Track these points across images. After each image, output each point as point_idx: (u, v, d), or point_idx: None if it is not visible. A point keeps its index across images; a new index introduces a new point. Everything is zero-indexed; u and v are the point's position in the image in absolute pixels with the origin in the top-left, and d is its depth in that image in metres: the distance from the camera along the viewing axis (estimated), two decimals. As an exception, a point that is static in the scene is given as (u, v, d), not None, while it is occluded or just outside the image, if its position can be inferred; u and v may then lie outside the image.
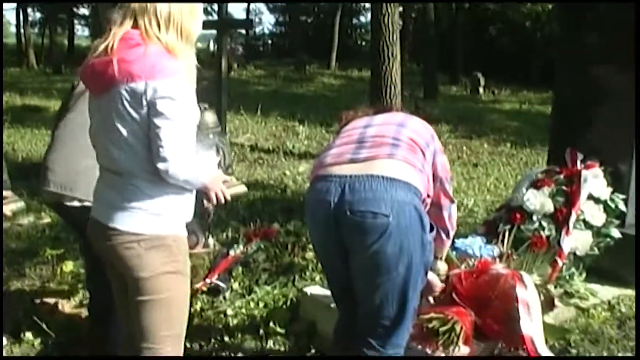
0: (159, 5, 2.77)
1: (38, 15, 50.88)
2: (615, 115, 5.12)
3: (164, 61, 2.72)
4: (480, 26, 37.65)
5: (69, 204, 3.68)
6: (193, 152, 2.80)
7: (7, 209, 3.21)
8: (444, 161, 3.24)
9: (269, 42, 63.80)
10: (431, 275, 3.46)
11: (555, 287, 4.63)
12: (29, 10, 43.50)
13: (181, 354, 3.02)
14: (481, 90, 27.34)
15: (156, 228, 2.79)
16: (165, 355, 2.92)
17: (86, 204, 3.37)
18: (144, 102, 2.66)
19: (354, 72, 35.68)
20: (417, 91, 25.30)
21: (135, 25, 2.78)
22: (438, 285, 3.67)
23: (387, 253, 2.82)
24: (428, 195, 3.12)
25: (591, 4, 5.20)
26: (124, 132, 2.71)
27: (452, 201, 3.33)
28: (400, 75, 11.96)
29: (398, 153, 2.97)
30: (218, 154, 3.27)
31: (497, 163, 12.05)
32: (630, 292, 4.88)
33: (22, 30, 41.22)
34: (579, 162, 5.06)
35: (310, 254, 5.42)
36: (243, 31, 47.76)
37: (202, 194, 3.07)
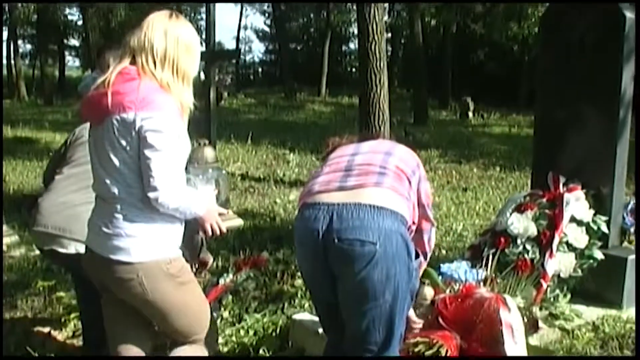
0: (156, 44, 2.92)
1: (29, 46, 51.05)
2: (596, 138, 5.20)
3: (155, 95, 2.86)
4: (469, 50, 37.97)
5: (63, 250, 3.76)
6: (182, 182, 2.93)
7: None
8: (428, 188, 3.32)
9: (259, 70, 64.10)
10: (410, 312, 3.52)
11: (541, 309, 4.69)
12: (20, 41, 43.64)
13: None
14: (470, 114, 27.48)
15: (150, 255, 2.91)
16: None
17: (81, 250, 3.44)
18: (133, 133, 2.80)
19: (344, 98, 35.80)
20: (407, 117, 25.43)
21: (134, 62, 2.93)
22: (417, 321, 3.71)
23: (374, 280, 2.89)
24: (413, 222, 3.20)
25: (573, 30, 5.29)
26: (116, 161, 2.85)
27: (432, 225, 3.42)
28: (389, 102, 12.05)
29: (385, 181, 3.05)
30: (216, 188, 3.37)
31: (487, 187, 12.09)
32: (615, 313, 4.94)
33: (12, 62, 41.30)
34: (561, 185, 5.14)
35: (299, 282, 5.49)
36: (234, 60, 47.97)
37: (195, 225, 3.18)
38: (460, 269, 4.41)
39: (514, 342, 3.74)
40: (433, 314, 4.00)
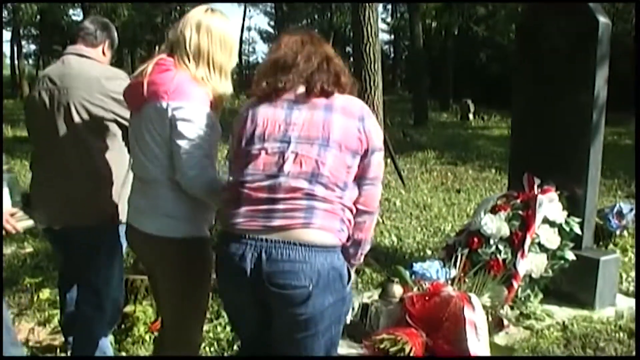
0: (189, 39, 3.08)
1: (32, 47, 51.19)
2: (570, 141, 5.29)
3: (187, 86, 3.00)
4: (471, 52, 37.96)
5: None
6: (210, 170, 3.05)
7: (19, 226, 3.49)
8: (380, 160, 2.98)
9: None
10: None
11: (512, 308, 4.79)
12: (24, 42, 43.80)
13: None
14: (471, 116, 27.51)
15: (187, 232, 3.07)
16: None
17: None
18: (166, 121, 2.96)
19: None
20: (408, 118, 25.48)
21: (171, 54, 3.10)
22: None
23: (308, 314, 2.79)
24: (354, 204, 2.92)
25: (548, 35, 5.38)
26: (153, 145, 3.03)
27: (376, 209, 3.04)
28: (383, 104, 12.14)
29: (313, 220, 2.76)
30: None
31: (480, 189, 12.13)
32: (587, 313, 5.03)
33: (16, 62, 41.46)
34: (535, 187, 5.22)
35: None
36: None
37: None
38: (432, 268, 4.51)
39: (477, 340, 3.83)
40: (401, 311, 4.10)
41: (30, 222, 3.59)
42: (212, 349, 4.66)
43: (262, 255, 2.72)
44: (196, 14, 3.13)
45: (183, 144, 2.94)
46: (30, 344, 4.74)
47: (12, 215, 3.45)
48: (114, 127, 3.63)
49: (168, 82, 2.99)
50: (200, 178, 2.98)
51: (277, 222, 2.72)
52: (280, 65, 2.86)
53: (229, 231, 2.82)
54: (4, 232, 3.40)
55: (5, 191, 3.44)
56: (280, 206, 2.73)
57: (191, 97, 2.99)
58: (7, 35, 40.04)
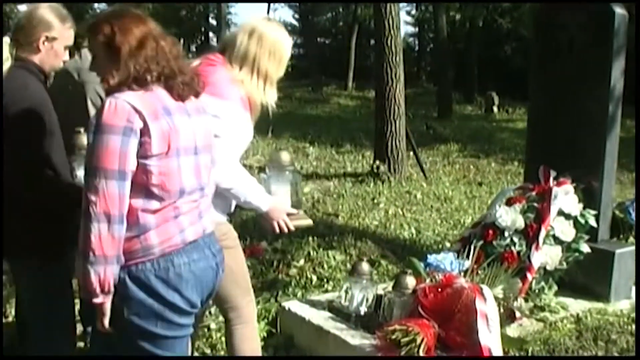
0: (238, 43, 3.29)
1: None
2: (586, 133, 5.28)
3: (224, 84, 3.17)
4: (495, 45, 37.74)
5: None
6: (236, 167, 3.24)
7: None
8: None
9: (289, 64, 64.09)
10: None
11: (526, 300, 4.79)
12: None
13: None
14: (495, 109, 27.34)
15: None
16: None
17: None
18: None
19: (371, 92, 35.69)
20: (432, 111, 25.41)
21: (222, 52, 3.31)
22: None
23: None
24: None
25: (564, 27, 5.36)
26: None
27: None
28: (405, 96, 12.15)
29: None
30: (290, 189, 3.53)
31: (502, 182, 12.11)
32: (601, 306, 5.02)
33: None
34: (551, 179, 5.21)
35: (293, 271, 5.65)
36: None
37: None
38: (446, 260, 4.51)
39: (489, 331, 3.85)
40: (413, 303, 4.13)
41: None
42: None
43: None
44: (254, 20, 3.34)
45: None
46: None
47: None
48: None
49: (208, 76, 3.09)
50: (224, 173, 3.13)
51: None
52: None
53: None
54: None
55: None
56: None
57: (225, 95, 3.13)
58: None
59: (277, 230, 3.41)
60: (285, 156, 3.48)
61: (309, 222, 3.68)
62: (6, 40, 3.11)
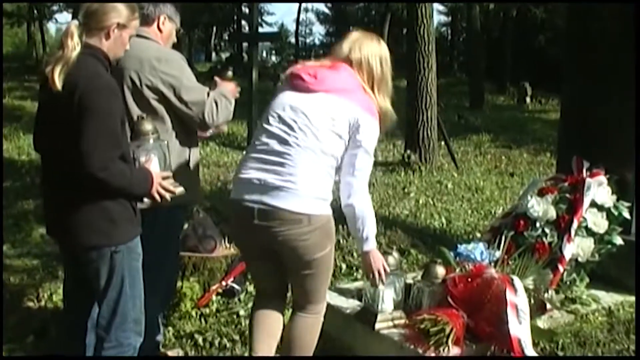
0: (376, 71, 3.50)
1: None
2: (620, 124, 5.21)
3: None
4: (529, 35, 37.40)
5: None
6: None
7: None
8: None
9: (321, 52, 64.18)
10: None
11: (557, 292, 4.75)
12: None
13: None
14: (528, 99, 27.17)
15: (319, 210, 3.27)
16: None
17: None
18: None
19: (402, 81, 35.59)
20: (464, 101, 25.30)
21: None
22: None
23: None
24: None
25: (597, 17, 5.30)
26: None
27: None
28: (437, 85, 12.10)
29: None
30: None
31: (534, 172, 12.04)
32: (633, 299, 4.95)
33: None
34: (584, 170, 5.15)
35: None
36: (293, 41, 48.15)
37: None
38: (476, 250, 4.49)
39: (519, 322, 3.82)
40: (443, 292, 4.11)
41: (181, 189, 3.47)
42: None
43: None
44: (377, 43, 3.55)
45: None
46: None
47: (165, 178, 3.27)
48: (162, 111, 3.65)
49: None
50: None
51: None
52: None
53: None
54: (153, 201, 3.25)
55: (155, 160, 3.35)
56: None
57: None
58: (68, 16, 40.43)
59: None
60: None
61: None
62: (75, 23, 3.06)
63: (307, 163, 3.19)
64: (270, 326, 3.61)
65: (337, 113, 3.21)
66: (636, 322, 4.55)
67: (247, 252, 3.62)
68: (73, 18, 3.18)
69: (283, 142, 3.19)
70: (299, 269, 3.35)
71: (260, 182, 3.19)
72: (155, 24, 3.80)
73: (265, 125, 3.30)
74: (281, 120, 3.24)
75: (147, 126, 3.31)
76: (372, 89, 3.42)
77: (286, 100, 3.29)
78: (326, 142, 3.21)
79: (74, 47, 2.99)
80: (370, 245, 3.46)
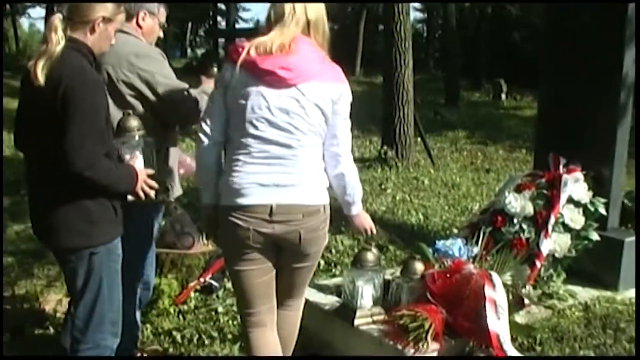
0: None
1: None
2: (597, 120, 5.25)
3: None
4: (504, 32, 37.58)
5: None
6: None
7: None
8: None
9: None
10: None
11: (535, 288, 4.78)
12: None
13: None
14: (503, 96, 27.30)
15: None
16: None
17: None
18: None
19: (378, 78, 35.62)
20: (439, 97, 25.38)
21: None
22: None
23: None
24: None
25: (578, 15, 5.33)
26: None
27: None
28: (413, 82, 12.12)
29: None
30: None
31: (510, 169, 12.12)
32: (610, 294, 5.02)
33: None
34: (561, 166, 5.19)
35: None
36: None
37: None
38: (454, 246, 4.51)
39: (497, 318, 3.84)
40: (422, 288, 4.11)
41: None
42: (234, 322, 4.70)
43: None
44: None
45: None
46: (58, 314, 4.82)
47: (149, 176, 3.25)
48: (138, 107, 3.57)
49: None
50: None
51: None
52: None
53: None
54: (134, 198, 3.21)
55: (140, 157, 3.31)
56: None
57: None
58: (41, 11, 40.14)
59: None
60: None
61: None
62: (59, 16, 3.00)
63: (312, 157, 3.17)
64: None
65: (323, 100, 3.11)
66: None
67: (246, 252, 3.24)
68: (47, 12, 3.13)
69: (285, 146, 3.08)
70: (302, 261, 3.31)
71: (273, 184, 3.10)
72: (134, 20, 3.74)
73: (254, 132, 3.07)
74: (273, 124, 3.06)
75: (133, 122, 3.28)
76: (322, 44, 3.24)
77: (271, 102, 3.05)
78: (322, 132, 3.18)
79: (57, 41, 2.93)
80: (360, 207, 3.52)
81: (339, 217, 3.63)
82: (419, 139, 12.64)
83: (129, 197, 3.20)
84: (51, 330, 4.61)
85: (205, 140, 3.15)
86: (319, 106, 3.11)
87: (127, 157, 3.22)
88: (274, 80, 3.04)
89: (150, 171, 3.25)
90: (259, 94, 3.05)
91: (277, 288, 3.39)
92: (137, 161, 3.23)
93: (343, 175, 3.32)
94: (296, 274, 3.37)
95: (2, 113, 12.96)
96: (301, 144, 3.10)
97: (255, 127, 3.06)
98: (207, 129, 3.14)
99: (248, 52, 3.04)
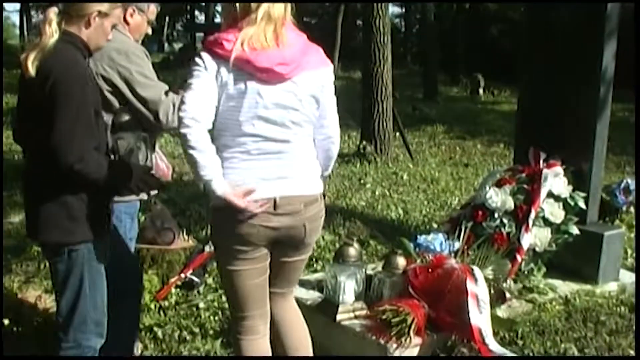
0: None
1: (42, 17, 51.24)
2: (576, 115, 5.28)
3: None
4: (482, 27, 37.66)
5: None
6: None
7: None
8: None
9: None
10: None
11: (515, 282, 4.81)
12: (32, 12, 43.63)
13: None
14: (481, 91, 27.34)
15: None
16: None
17: None
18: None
19: (357, 73, 35.58)
20: (418, 92, 25.39)
21: None
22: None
23: None
24: None
25: (556, 10, 5.35)
26: None
27: None
28: (392, 77, 12.13)
29: None
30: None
31: (488, 163, 12.14)
32: (590, 288, 5.07)
33: (25, 33, 41.42)
34: (541, 161, 5.22)
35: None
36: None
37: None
38: (436, 241, 4.53)
39: (479, 312, 3.87)
40: (404, 283, 4.13)
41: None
42: (216, 318, 4.69)
43: None
44: None
45: None
46: (38, 311, 4.78)
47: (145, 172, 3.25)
48: (116, 104, 3.50)
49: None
50: None
51: None
52: None
53: None
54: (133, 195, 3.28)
55: (136, 152, 3.34)
56: None
57: None
58: (16, 5, 39.88)
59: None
60: (126, 117, 3.34)
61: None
62: (54, 10, 2.97)
63: (307, 147, 3.16)
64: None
65: (316, 88, 3.06)
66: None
67: (247, 251, 3.12)
68: (22, 6, 3.12)
69: (282, 141, 3.02)
70: (303, 252, 3.30)
71: (276, 177, 3.04)
72: (122, 16, 3.71)
73: (249, 130, 2.96)
74: (269, 121, 2.97)
75: (126, 118, 3.26)
76: (293, 22, 3.13)
77: (266, 98, 2.95)
78: (314, 120, 3.14)
79: (51, 34, 2.91)
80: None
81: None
82: (397, 134, 12.65)
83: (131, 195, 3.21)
84: (29, 327, 4.57)
85: (195, 124, 2.81)
86: (313, 95, 3.06)
87: (122, 152, 3.20)
88: (270, 77, 2.94)
89: (147, 167, 3.24)
90: (253, 91, 2.93)
91: (277, 286, 3.35)
92: (133, 156, 3.23)
93: (330, 159, 3.35)
94: (296, 266, 3.36)
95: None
96: (297, 137, 3.07)
97: (251, 126, 2.95)
98: (195, 113, 2.83)
99: (241, 48, 2.89)
